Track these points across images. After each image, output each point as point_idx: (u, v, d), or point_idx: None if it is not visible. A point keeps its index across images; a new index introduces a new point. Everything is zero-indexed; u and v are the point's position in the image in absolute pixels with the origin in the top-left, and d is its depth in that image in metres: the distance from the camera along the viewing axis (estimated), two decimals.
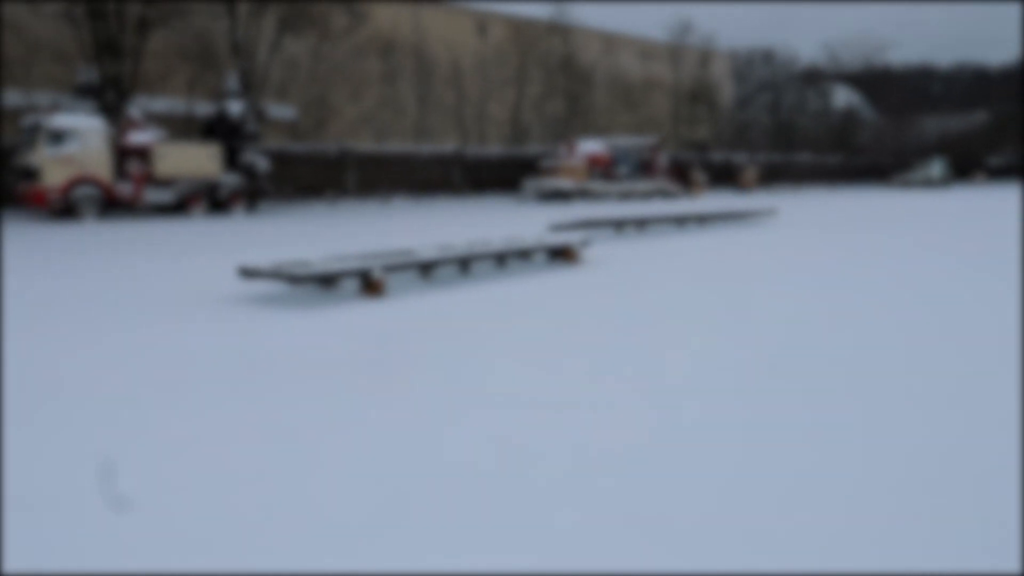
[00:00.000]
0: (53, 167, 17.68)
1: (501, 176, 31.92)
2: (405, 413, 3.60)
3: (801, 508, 2.56)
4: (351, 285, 7.30)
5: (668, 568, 2.22)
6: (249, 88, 23.76)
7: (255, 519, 2.51)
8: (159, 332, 5.42)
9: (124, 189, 18.72)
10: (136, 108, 20.97)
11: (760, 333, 5.36)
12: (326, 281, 6.95)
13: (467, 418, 3.52)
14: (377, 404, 3.73)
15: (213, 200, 20.27)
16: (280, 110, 29.56)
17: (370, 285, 6.88)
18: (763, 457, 3.00)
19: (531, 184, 29.11)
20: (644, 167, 32.74)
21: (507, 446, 3.16)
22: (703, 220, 15.27)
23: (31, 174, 17.70)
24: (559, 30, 39.63)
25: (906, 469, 2.88)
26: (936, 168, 47.32)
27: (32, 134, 17.97)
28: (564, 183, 28.42)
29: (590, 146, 30.72)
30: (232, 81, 22.47)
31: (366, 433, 3.34)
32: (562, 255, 9.34)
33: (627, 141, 33.32)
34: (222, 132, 21.54)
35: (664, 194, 31.49)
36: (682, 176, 35.29)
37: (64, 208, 17.83)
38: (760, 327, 5.57)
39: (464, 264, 8.19)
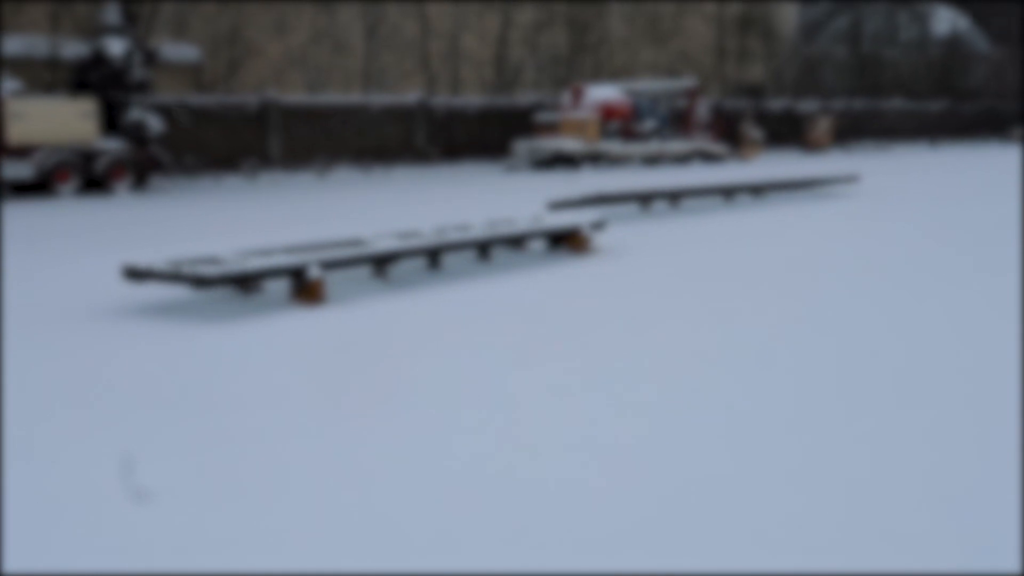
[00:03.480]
0: None
1: (482, 136, 31.91)
2: (355, 465, 3.58)
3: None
4: (279, 288, 7.27)
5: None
6: (135, 21, 23.66)
7: None
8: (14, 363, 5.37)
9: None
10: None
11: (848, 359, 5.36)
12: (244, 283, 6.91)
13: (437, 476, 3.51)
14: (317, 456, 3.71)
15: (88, 174, 20.15)
16: (178, 50, 29.45)
17: (305, 288, 6.86)
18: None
19: (523, 146, 29.13)
20: (677, 120, 32.80)
21: (488, 517, 3.15)
22: (758, 192, 15.33)
23: None
24: None
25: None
26: None
27: None
28: (569, 144, 28.44)
29: (603, 93, 30.74)
30: (111, 12, 22.35)
31: (305, 494, 3.32)
32: (567, 242, 9.33)
33: (654, 86, 33.34)
34: (99, 81, 21.42)
35: (705, 156, 31.57)
36: (729, 132, 35.38)
37: None
38: (847, 349, 5.57)
39: (433, 257, 8.18)
